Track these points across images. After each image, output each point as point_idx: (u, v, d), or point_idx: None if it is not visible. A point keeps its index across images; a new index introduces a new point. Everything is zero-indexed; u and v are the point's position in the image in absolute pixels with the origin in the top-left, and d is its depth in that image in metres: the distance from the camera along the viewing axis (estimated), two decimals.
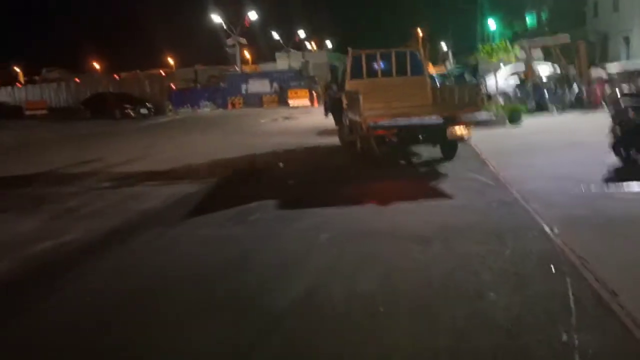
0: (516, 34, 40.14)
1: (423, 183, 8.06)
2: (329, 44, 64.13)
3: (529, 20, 45.65)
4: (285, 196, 7.65)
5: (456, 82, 21.49)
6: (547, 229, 5.20)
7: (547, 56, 20.65)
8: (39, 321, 3.92)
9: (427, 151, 10.10)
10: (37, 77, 53.84)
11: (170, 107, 34.84)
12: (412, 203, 6.75)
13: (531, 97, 17.29)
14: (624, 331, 3.21)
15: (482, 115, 8.91)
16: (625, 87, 15.41)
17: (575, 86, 17.24)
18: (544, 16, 42.50)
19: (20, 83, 50.73)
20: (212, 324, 3.68)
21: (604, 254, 4.44)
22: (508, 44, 16.76)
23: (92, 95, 33.67)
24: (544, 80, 18.06)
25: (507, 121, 14.73)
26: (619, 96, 8.54)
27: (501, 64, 18.48)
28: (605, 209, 5.73)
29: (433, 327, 3.41)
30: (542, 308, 3.54)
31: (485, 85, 17.49)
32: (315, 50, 61.96)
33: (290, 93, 35.52)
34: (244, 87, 37.86)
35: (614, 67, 19.27)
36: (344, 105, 11.00)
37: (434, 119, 8.33)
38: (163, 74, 45.25)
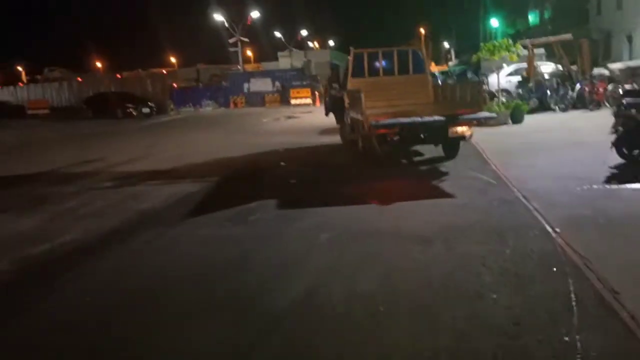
0: (518, 32, 40.09)
1: (424, 182, 8.04)
2: (331, 43, 64.14)
3: (532, 18, 45.58)
4: (286, 195, 7.65)
5: (458, 80, 21.47)
6: (548, 228, 5.18)
7: (550, 56, 20.59)
8: (39, 321, 3.92)
9: (429, 150, 10.08)
10: (39, 77, 53.96)
11: (172, 106, 34.83)
12: (414, 202, 6.74)
13: (533, 95, 17.25)
14: (626, 331, 3.19)
15: (484, 113, 8.88)
16: (628, 86, 15.38)
17: (577, 84, 17.19)
18: (546, 14, 42.42)
19: (22, 82, 50.81)
20: (212, 323, 3.68)
21: (606, 253, 4.42)
22: (510, 41, 16.63)
23: (94, 94, 33.67)
24: (546, 78, 18.02)
25: (509, 119, 14.70)
26: (621, 94, 8.51)
27: (504, 64, 18.39)
28: (607, 209, 5.71)
29: (433, 327, 3.40)
30: (544, 308, 3.52)
31: (488, 84, 17.46)
32: (317, 49, 61.92)
33: (292, 92, 35.48)
34: (246, 86, 37.82)
35: (616, 67, 19.22)
36: (346, 104, 10.99)
37: (436, 118, 8.30)
38: (165, 73, 45.30)
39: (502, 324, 3.35)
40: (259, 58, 60.54)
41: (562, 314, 3.41)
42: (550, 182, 7.12)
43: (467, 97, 9.23)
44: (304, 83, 36.77)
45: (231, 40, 43.20)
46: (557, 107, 17.02)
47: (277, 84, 37.31)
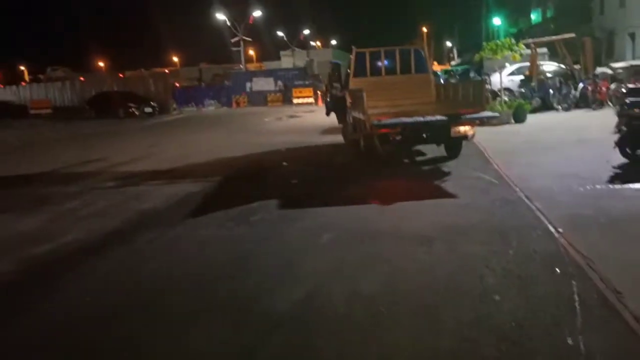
0: (521, 31, 40.02)
1: (427, 182, 8.02)
2: (333, 42, 64.15)
3: (534, 17, 45.50)
4: (288, 195, 7.63)
5: (461, 79, 21.44)
6: (551, 228, 5.16)
7: (553, 55, 20.52)
8: (39, 321, 3.92)
9: (431, 150, 10.06)
10: (41, 76, 54.03)
11: (174, 105, 34.85)
12: (416, 202, 6.71)
13: (536, 94, 17.20)
14: (629, 332, 3.18)
15: (487, 113, 8.85)
16: (631, 85, 15.31)
17: (580, 84, 17.14)
18: (549, 13, 42.33)
19: (24, 82, 50.91)
20: (214, 324, 3.67)
21: (609, 253, 4.40)
22: (513, 41, 16.59)
23: (97, 94, 33.69)
24: (549, 77, 17.97)
25: (511, 119, 14.66)
26: (624, 93, 8.47)
27: (506, 63, 18.35)
28: (610, 208, 5.68)
29: (435, 328, 3.38)
30: (546, 309, 3.50)
31: (490, 83, 17.42)
32: (320, 48, 61.90)
33: (294, 91, 35.46)
34: (248, 85, 37.86)
35: (619, 66, 19.15)
36: (348, 104, 10.96)
37: (438, 117, 8.26)
38: (167, 72, 45.33)
39: (504, 324, 3.33)
40: (261, 57, 60.63)
41: (565, 315, 3.39)
42: (552, 182, 7.09)
43: (469, 96, 9.20)
44: (307, 82, 36.77)
45: (233, 40, 43.29)
46: (559, 107, 16.97)
47: (280, 83, 37.33)
